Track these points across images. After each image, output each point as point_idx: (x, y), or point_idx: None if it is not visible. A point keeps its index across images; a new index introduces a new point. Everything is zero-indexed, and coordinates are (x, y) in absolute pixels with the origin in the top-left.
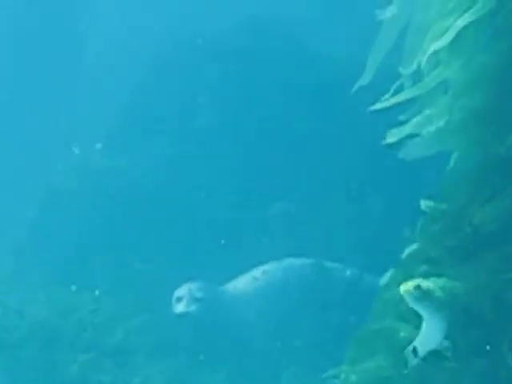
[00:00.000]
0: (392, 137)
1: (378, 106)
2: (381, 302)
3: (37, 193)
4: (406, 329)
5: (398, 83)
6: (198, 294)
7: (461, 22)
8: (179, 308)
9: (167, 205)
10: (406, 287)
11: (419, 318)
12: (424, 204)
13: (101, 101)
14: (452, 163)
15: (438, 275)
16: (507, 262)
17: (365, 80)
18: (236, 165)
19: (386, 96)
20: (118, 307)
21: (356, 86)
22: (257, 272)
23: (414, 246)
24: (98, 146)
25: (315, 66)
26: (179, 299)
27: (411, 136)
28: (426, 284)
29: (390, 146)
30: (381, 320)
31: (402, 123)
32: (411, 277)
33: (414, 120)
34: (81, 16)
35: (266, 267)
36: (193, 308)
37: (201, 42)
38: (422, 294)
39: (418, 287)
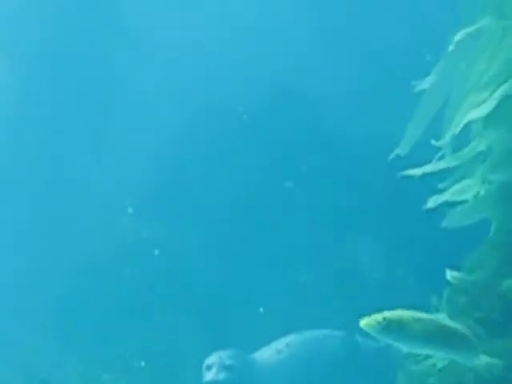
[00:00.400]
0: (432, 203)
1: (415, 172)
2: (406, 375)
3: (70, 265)
4: None
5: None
6: (228, 362)
7: (498, 94)
8: (209, 376)
9: (193, 274)
10: (369, 321)
11: None
12: (450, 275)
13: (136, 170)
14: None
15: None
16: None
17: (403, 150)
18: (262, 235)
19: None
20: (149, 379)
21: (392, 155)
22: (280, 344)
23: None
24: (130, 210)
25: (344, 143)
26: (209, 367)
27: (451, 204)
28: (395, 316)
29: (430, 212)
30: None
31: (441, 191)
32: None
33: (453, 188)
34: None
35: (288, 339)
36: (222, 376)
37: (234, 114)
38: (386, 327)
39: (384, 320)
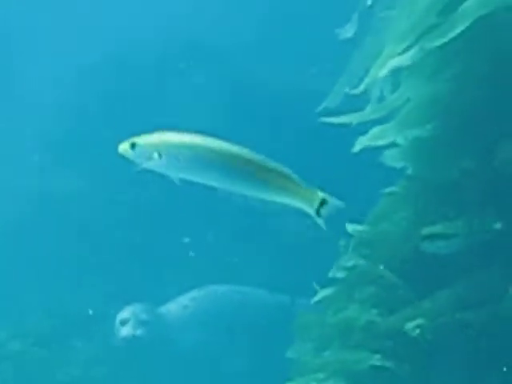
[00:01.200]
0: (357, 146)
1: (338, 120)
2: (320, 327)
3: None
4: (362, 356)
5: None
6: (143, 317)
7: (417, 47)
8: (125, 331)
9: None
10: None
11: (376, 341)
12: (350, 228)
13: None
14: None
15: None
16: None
17: (333, 102)
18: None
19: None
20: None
21: (321, 107)
22: (185, 299)
23: (352, 263)
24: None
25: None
26: (124, 322)
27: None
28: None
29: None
30: (326, 348)
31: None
32: (355, 297)
33: (370, 133)
34: None
35: (192, 294)
36: (139, 331)
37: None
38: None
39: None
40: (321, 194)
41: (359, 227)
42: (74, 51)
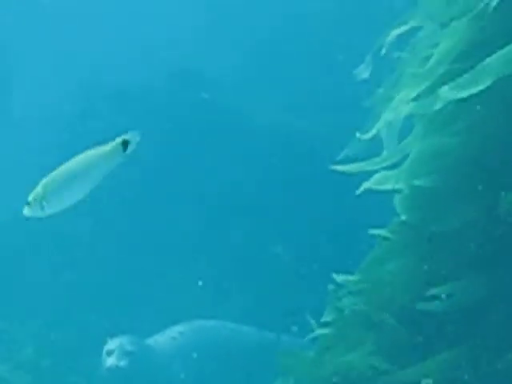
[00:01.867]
0: (361, 190)
1: (348, 168)
2: (307, 367)
3: None
4: None
5: None
6: (129, 348)
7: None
8: (110, 362)
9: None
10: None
11: None
12: (340, 278)
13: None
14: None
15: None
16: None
17: (353, 149)
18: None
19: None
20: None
21: (341, 156)
22: (172, 332)
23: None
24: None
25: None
26: (110, 353)
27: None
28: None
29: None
30: None
31: None
32: (353, 341)
33: (375, 177)
34: None
35: (180, 328)
36: (124, 362)
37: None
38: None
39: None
40: (119, 139)
41: (350, 277)
42: (55, 77)
